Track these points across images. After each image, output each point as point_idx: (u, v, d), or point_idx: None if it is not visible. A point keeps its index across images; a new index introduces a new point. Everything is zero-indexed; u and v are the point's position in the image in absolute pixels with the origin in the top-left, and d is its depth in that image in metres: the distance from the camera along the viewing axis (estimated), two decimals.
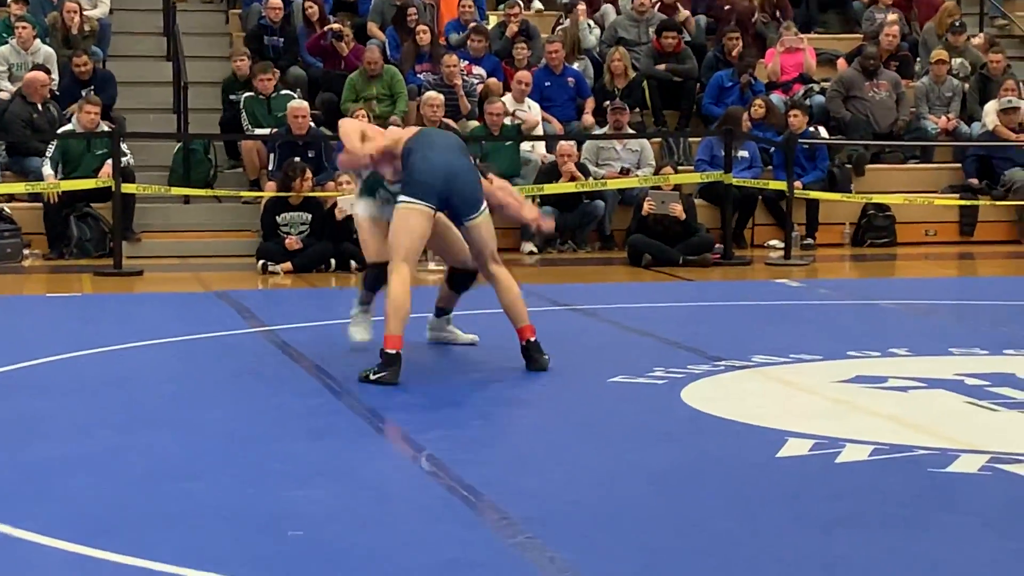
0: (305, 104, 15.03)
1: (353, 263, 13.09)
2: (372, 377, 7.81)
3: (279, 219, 13.60)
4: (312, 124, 15.13)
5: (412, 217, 8.12)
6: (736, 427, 6.90)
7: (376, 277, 8.70)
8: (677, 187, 14.62)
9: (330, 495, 5.63)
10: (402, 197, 8.16)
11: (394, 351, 7.89)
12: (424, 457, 6.27)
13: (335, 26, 16.66)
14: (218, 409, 7.40)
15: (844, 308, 11.40)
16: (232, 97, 15.89)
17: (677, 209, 14.15)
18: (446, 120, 15.19)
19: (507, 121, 15.36)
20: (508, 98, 15.80)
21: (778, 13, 18.56)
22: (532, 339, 8.26)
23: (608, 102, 15.97)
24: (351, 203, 9.17)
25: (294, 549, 4.93)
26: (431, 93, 15.22)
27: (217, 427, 6.94)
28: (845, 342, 9.18)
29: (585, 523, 5.29)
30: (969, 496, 5.68)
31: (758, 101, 16.18)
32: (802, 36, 17.81)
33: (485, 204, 8.31)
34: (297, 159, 14.07)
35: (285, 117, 14.89)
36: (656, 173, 14.92)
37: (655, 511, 5.47)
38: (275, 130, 15.08)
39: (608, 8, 18.27)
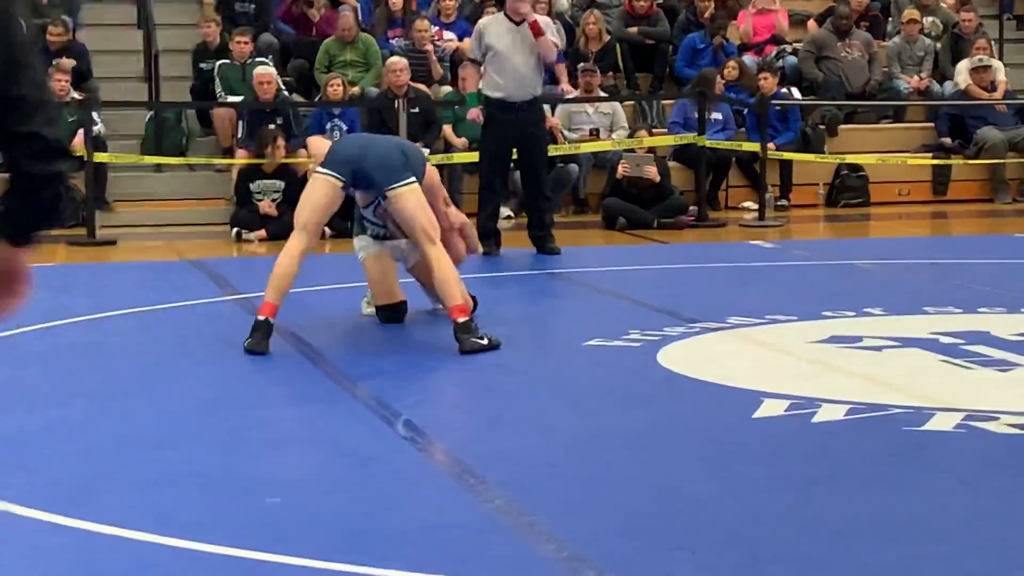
0: (271, 70, 14.90)
1: (327, 230, 13.05)
2: (244, 345, 7.73)
3: (252, 187, 13.56)
4: (285, 92, 15.07)
5: (316, 186, 7.95)
6: (712, 388, 6.91)
7: (388, 319, 8.60)
8: (651, 149, 14.62)
9: (307, 461, 5.63)
10: (317, 168, 8.03)
11: (263, 318, 7.77)
12: (400, 422, 6.26)
13: None
14: (193, 377, 7.38)
15: (818, 269, 11.42)
16: (202, 65, 15.79)
17: (652, 171, 14.13)
18: (414, 84, 15.11)
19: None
20: None
21: None
22: (459, 320, 7.72)
23: (581, 64, 15.95)
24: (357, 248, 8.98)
25: (271, 515, 4.92)
26: (393, 59, 15.08)
27: (193, 395, 6.93)
28: (820, 303, 9.20)
29: (562, 486, 5.30)
30: (944, 454, 5.70)
31: (731, 63, 16.17)
32: None
33: (414, 179, 7.95)
34: (272, 127, 14.02)
35: None
36: (631, 136, 14.91)
37: (632, 473, 5.48)
38: (243, 98, 15.02)
39: None
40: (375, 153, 7.96)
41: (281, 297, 7.82)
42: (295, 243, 7.90)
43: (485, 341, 7.71)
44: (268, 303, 7.79)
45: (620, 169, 14.17)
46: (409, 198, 7.91)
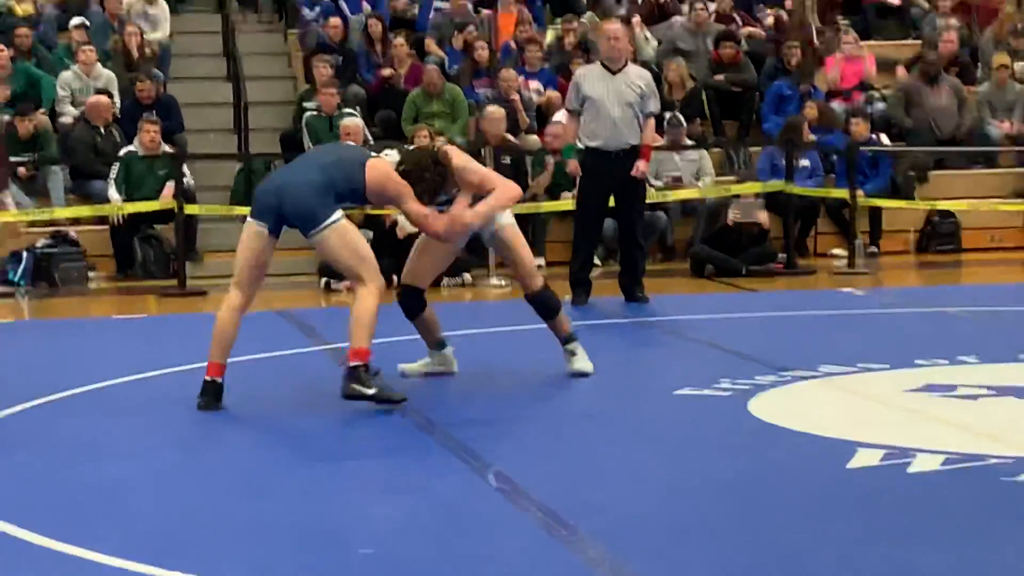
0: (357, 122, 15.01)
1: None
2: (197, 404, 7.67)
3: None
4: (372, 143, 15.16)
5: (246, 236, 7.77)
6: (805, 438, 6.84)
7: (401, 297, 8.55)
8: (759, 195, 14.55)
9: (398, 512, 5.62)
10: (248, 216, 7.82)
11: (210, 378, 7.69)
12: (492, 473, 6.25)
13: (394, 50, 16.67)
14: (283, 427, 7.41)
15: (910, 316, 11.30)
16: (307, 105, 15.83)
17: (762, 217, 14.15)
18: (507, 136, 15.18)
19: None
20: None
21: (840, 19, 18.49)
22: (351, 364, 7.50)
23: (667, 114, 15.94)
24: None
25: (365, 566, 4.92)
26: (492, 107, 15.18)
27: (284, 445, 6.95)
28: (913, 350, 9.10)
29: (655, 536, 5.26)
30: None
31: (809, 104, 16.09)
32: (862, 44, 17.72)
33: (333, 217, 7.56)
34: None
35: None
36: (739, 182, 14.92)
37: (725, 523, 5.43)
38: None
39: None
40: (290, 198, 7.59)
41: (225, 355, 7.70)
42: (232, 299, 7.76)
43: (371, 391, 7.48)
44: (213, 363, 7.70)
45: (730, 215, 14.16)
46: (329, 240, 7.60)
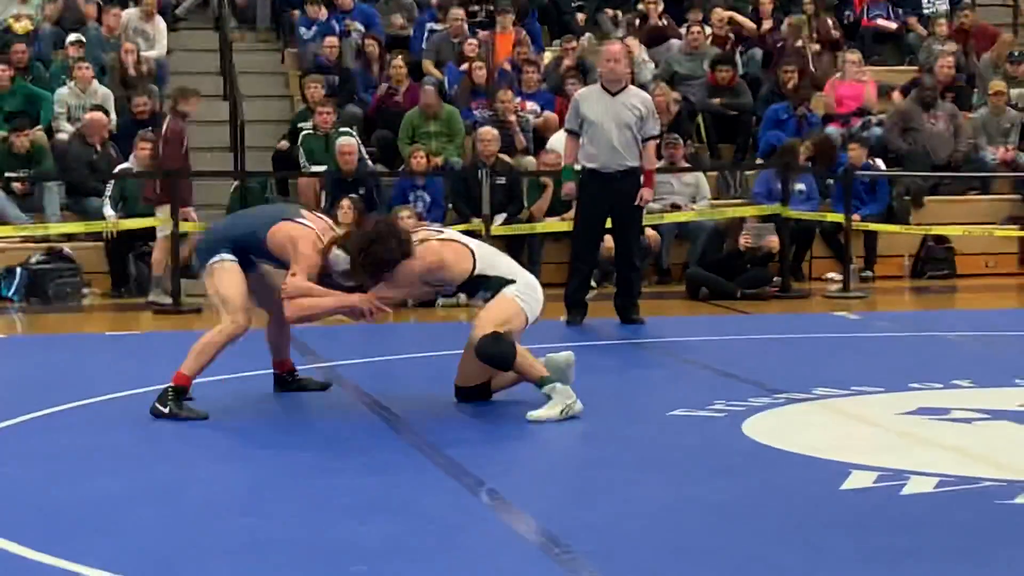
0: (354, 141, 15.04)
1: (410, 300, 13.06)
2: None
3: None
4: (369, 162, 15.17)
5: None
6: (798, 459, 6.84)
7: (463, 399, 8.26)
8: (768, 219, 14.49)
9: (392, 529, 5.60)
10: None
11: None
12: (484, 491, 6.24)
13: (392, 71, 16.68)
14: (276, 444, 7.41)
15: (905, 340, 11.30)
16: (301, 125, 15.82)
17: (773, 242, 14.17)
18: (501, 156, 15.19)
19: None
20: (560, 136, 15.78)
21: (844, 46, 18.54)
22: (170, 385, 7.94)
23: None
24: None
25: None
26: (484, 128, 15.23)
27: (277, 461, 6.94)
28: (907, 374, 9.10)
29: (649, 556, 5.24)
30: None
31: (805, 144, 15.90)
32: (865, 68, 17.73)
33: (217, 258, 8.05)
34: (355, 196, 14.11)
35: None
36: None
37: (719, 544, 5.41)
38: (325, 168, 15.11)
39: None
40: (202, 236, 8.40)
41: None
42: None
43: (167, 410, 7.83)
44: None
45: (741, 240, 14.16)
46: (207, 277, 8.18)
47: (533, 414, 7.70)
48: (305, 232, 7.96)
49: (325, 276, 7.99)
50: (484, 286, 8.03)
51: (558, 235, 14.66)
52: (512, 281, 7.99)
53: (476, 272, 7.98)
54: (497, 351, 7.83)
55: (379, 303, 7.95)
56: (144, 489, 6.34)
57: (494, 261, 8.11)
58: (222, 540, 5.47)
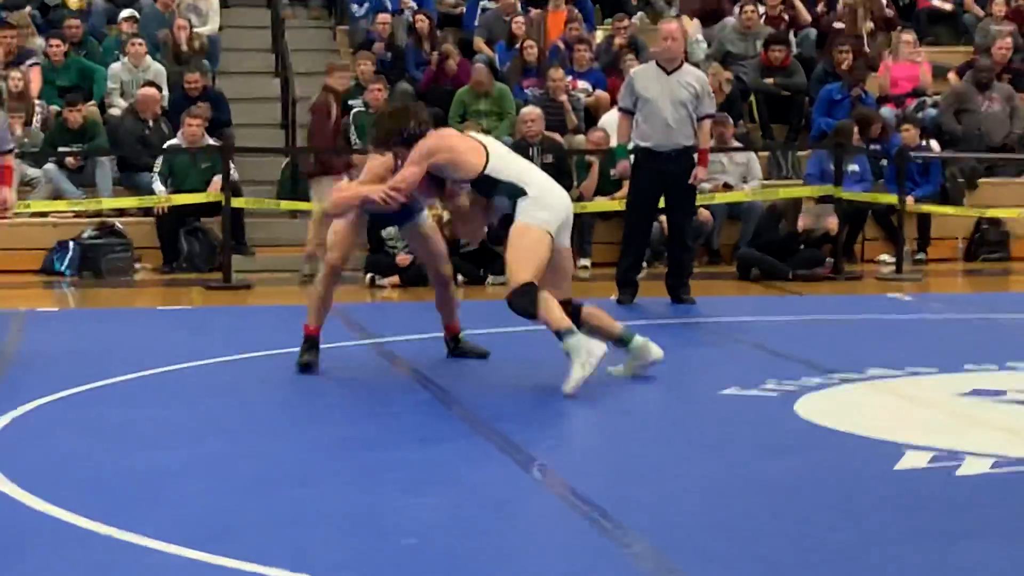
0: None
1: (460, 276, 13.07)
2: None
3: (384, 233, 13.59)
4: None
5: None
6: (852, 439, 6.79)
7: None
8: (826, 199, 14.41)
9: (442, 503, 5.60)
10: None
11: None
12: (536, 467, 6.22)
13: (445, 48, 16.65)
14: (328, 418, 7.42)
15: (958, 322, 11.21)
16: (352, 102, 15.82)
17: (832, 223, 14.08)
18: (549, 133, 15.13)
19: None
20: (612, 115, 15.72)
21: (899, 26, 18.41)
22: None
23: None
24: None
25: (407, 557, 4.89)
26: (527, 108, 15.14)
27: (327, 435, 6.95)
28: (961, 356, 9.02)
29: (701, 534, 5.22)
30: None
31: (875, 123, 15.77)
32: (920, 49, 17.60)
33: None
34: None
35: None
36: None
37: (771, 523, 5.38)
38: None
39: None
40: None
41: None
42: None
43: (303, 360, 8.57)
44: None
45: (801, 222, 14.07)
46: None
47: (568, 388, 7.65)
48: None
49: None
50: (496, 191, 8.05)
51: (608, 214, 14.61)
52: (524, 192, 7.98)
53: (487, 171, 8.03)
54: (523, 305, 7.84)
55: (391, 192, 8.22)
56: (197, 460, 6.35)
57: (508, 163, 8.15)
58: (274, 512, 5.47)
